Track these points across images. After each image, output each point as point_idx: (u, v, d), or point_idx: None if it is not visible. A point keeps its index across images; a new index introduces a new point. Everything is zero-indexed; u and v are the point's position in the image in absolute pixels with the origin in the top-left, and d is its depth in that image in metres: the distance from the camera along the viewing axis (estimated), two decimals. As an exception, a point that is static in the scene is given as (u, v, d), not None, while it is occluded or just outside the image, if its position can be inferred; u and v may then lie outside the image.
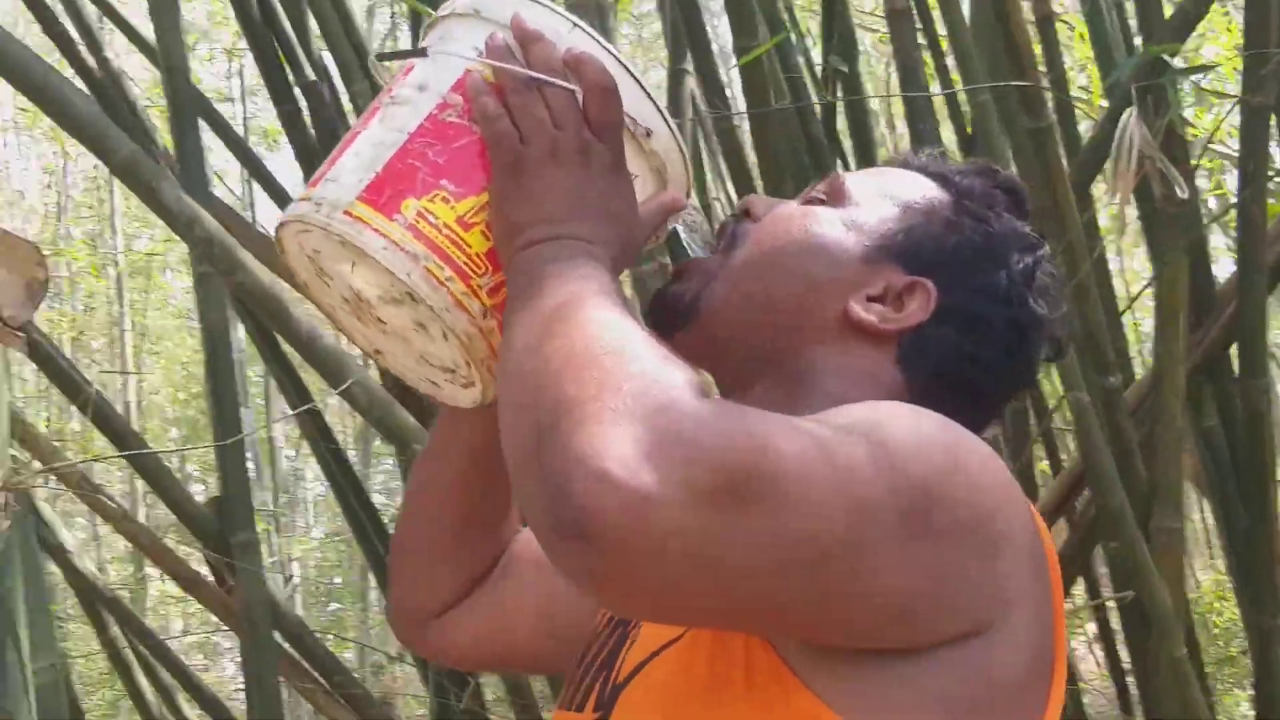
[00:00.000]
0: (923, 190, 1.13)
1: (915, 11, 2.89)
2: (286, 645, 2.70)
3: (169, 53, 2.76)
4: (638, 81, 1.05)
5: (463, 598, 1.24)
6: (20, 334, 1.94)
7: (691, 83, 3.16)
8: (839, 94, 3.10)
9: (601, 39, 1.04)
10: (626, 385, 0.80)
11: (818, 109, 3.00)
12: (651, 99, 1.06)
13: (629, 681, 0.98)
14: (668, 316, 1.11)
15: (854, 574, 0.82)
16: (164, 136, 3.24)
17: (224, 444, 2.65)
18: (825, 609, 0.84)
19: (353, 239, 0.99)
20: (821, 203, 1.13)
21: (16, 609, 1.90)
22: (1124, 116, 2.40)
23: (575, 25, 1.04)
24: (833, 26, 3.08)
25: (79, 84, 2.83)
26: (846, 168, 3.09)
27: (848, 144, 3.31)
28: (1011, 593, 0.90)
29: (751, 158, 2.97)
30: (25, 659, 1.93)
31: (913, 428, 0.89)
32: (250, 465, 3.44)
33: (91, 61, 3.11)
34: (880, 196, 1.12)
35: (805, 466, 0.80)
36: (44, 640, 2.04)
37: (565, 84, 1.00)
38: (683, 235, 1.19)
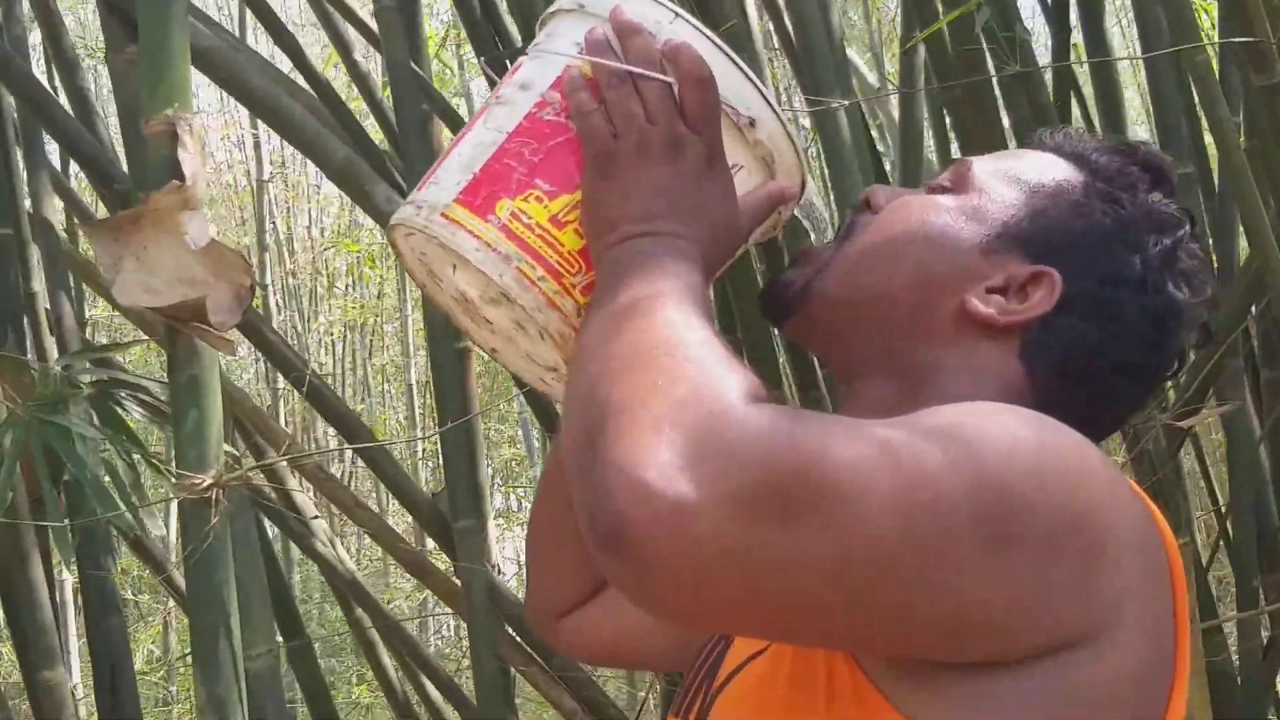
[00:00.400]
0: (1054, 173, 1.08)
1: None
2: (509, 629, 2.77)
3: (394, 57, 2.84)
4: (742, 70, 1.03)
5: (591, 595, 1.24)
6: (230, 339, 2.03)
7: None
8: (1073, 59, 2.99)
9: (705, 29, 1.03)
10: (677, 390, 0.79)
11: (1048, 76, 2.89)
12: (758, 87, 1.04)
13: (722, 689, 0.97)
14: (777, 303, 1.10)
15: (925, 585, 0.79)
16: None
17: (443, 430, 2.74)
18: (895, 622, 0.81)
19: (447, 241, 1.01)
20: (945, 191, 1.08)
21: (228, 600, 2.00)
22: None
23: (678, 15, 1.03)
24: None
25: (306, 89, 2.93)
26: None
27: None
28: (1116, 602, 0.85)
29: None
30: (237, 648, 2.03)
31: (1001, 427, 0.85)
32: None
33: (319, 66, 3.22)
34: (1006, 181, 1.07)
35: (863, 473, 0.77)
36: (262, 628, 2.15)
37: (661, 76, 0.98)
38: (805, 226, 1.17)
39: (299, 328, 10.22)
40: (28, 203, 2.83)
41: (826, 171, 2.61)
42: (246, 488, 2.20)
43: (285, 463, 2.72)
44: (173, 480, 2.01)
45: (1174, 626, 0.92)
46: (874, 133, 3.69)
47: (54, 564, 3.05)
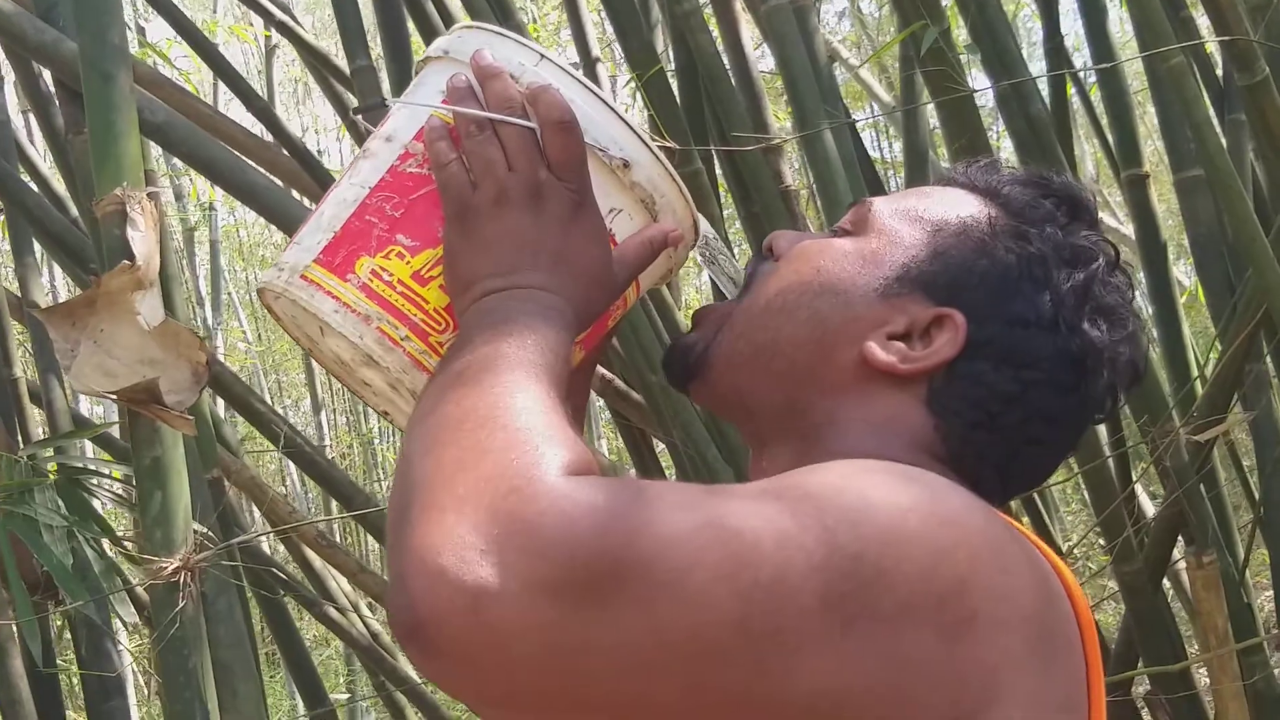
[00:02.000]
0: (959, 209, 1.01)
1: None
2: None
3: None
4: (613, 110, 0.98)
5: None
6: (189, 417, 1.99)
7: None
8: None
9: (572, 70, 0.98)
10: (483, 466, 0.74)
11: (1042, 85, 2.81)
12: (631, 127, 0.99)
13: None
14: (679, 368, 1.04)
15: (761, 671, 0.72)
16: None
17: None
18: (731, 712, 0.73)
19: (305, 303, 0.96)
20: (846, 234, 1.02)
21: (203, 685, 1.95)
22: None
23: (543, 57, 0.98)
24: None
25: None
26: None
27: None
28: (989, 678, 0.77)
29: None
30: (214, 730, 1.97)
31: (862, 491, 0.78)
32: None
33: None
34: (907, 221, 1.01)
35: (686, 550, 0.71)
36: (249, 710, 2.09)
37: (520, 121, 0.94)
38: (706, 270, 1.12)
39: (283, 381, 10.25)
40: (14, 285, 2.82)
41: (820, 202, 2.55)
42: (227, 565, 2.16)
43: (278, 531, 2.67)
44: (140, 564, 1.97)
45: (1086, 698, 0.84)
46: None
47: (59, 649, 3.03)
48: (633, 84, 2.69)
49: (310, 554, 3.17)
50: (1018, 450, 0.97)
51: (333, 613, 3.13)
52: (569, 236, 0.94)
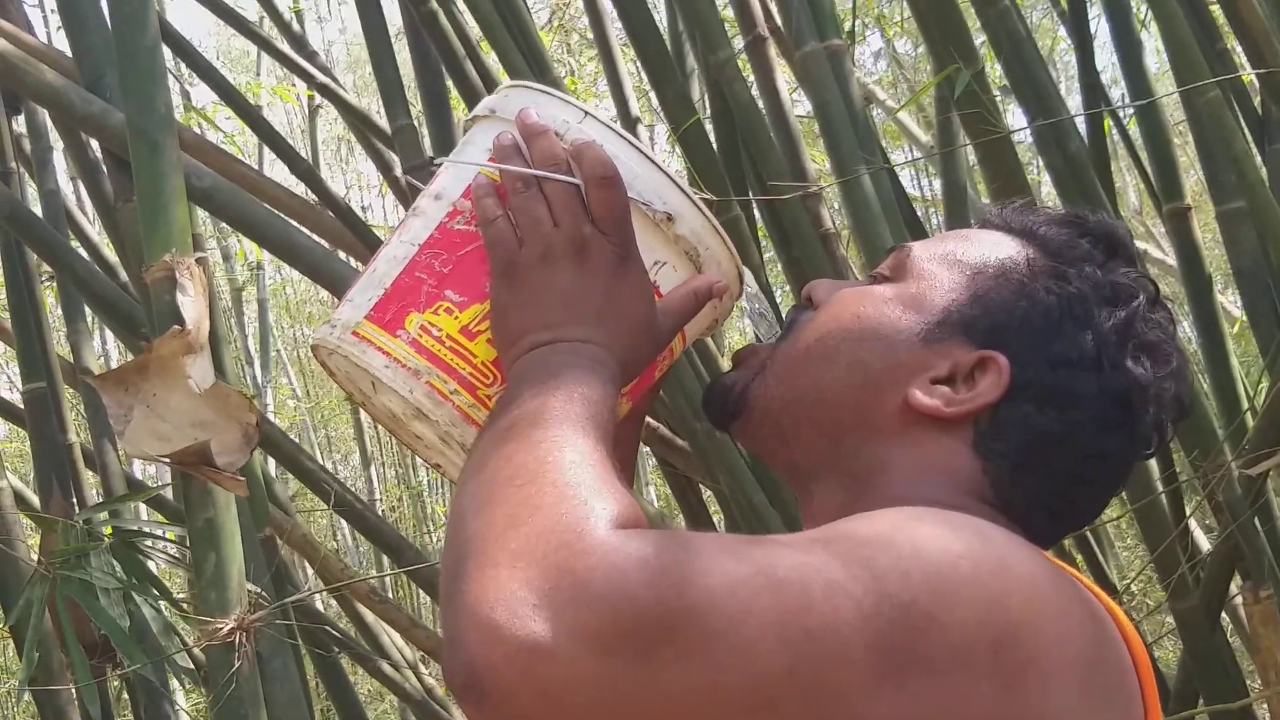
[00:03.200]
0: (998, 252, 1.01)
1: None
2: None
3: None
4: (657, 165, 1.00)
5: None
6: (241, 479, 2.02)
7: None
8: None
9: (615, 126, 1.00)
10: (535, 522, 0.75)
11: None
12: (676, 182, 1.00)
13: None
14: (718, 407, 1.05)
15: (798, 711, 0.72)
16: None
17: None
18: None
19: (357, 359, 0.99)
20: (885, 280, 1.02)
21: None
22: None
23: (587, 114, 1.00)
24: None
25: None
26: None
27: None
28: None
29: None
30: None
31: (914, 539, 0.78)
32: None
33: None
34: (946, 265, 1.01)
35: (736, 600, 0.71)
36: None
37: (563, 177, 0.95)
38: (749, 323, 1.13)
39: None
40: (67, 351, 2.87)
41: (859, 244, 2.56)
42: (281, 624, 2.18)
43: (331, 589, 2.68)
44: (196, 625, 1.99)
45: None
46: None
47: (118, 710, 3.05)
48: (670, 134, 2.70)
49: (363, 610, 3.19)
50: (1066, 490, 0.97)
51: (386, 668, 3.14)
52: (614, 290, 0.95)
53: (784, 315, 1.10)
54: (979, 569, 0.77)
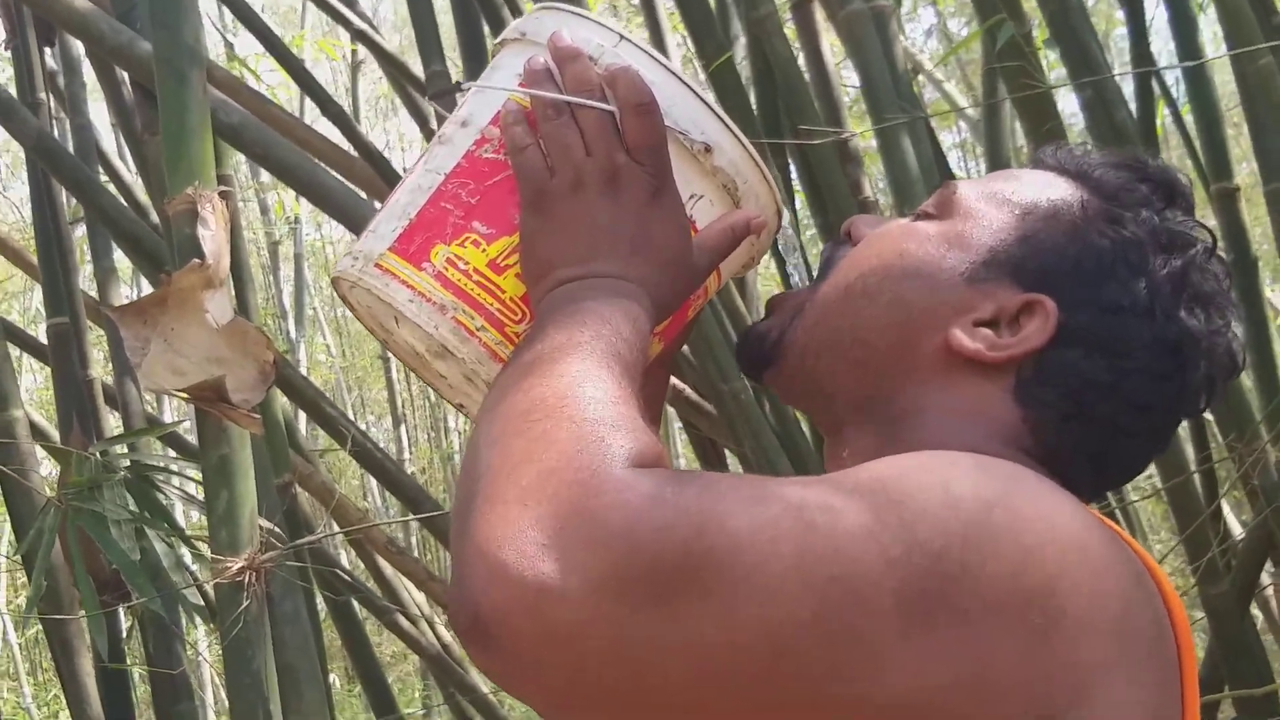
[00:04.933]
0: (1050, 193, 0.96)
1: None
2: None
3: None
4: (696, 94, 0.95)
5: None
6: (256, 416, 1.99)
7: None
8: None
9: (653, 51, 0.95)
10: (548, 457, 0.71)
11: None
12: (715, 111, 0.96)
13: None
14: (752, 356, 1.01)
15: (836, 670, 0.68)
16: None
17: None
18: (806, 714, 0.70)
19: (380, 292, 0.94)
20: (929, 217, 0.98)
21: (267, 685, 1.93)
22: None
23: (622, 38, 0.95)
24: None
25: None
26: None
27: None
28: (1079, 679, 0.73)
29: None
30: (277, 732, 1.96)
31: (947, 484, 0.74)
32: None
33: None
34: (995, 204, 0.96)
35: (759, 542, 0.67)
36: (313, 714, 2.08)
37: (598, 104, 0.91)
38: (787, 259, 1.09)
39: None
40: (93, 289, 2.85)
41: (893, 199, 2.51)
42: (294, 567, 2.16)
43: (345, 532, 2.66)
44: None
45: (1180, 707, 0.80)
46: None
47: (129, 650, 3.05)
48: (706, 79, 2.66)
49: (382, 563, 3.17)
50: (1110, 443, 0.93)
51: (403, 622, 3.12)
52: (648, 223, 0.90)
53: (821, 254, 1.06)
54: (1015, 518, 0.73)
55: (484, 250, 0.93)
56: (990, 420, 0.91)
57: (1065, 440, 0.91)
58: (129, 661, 3.00)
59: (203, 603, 2.31)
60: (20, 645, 6.28)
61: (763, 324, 1.01)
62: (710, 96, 0.97)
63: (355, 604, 3.31)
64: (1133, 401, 0.92)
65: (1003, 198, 0.96)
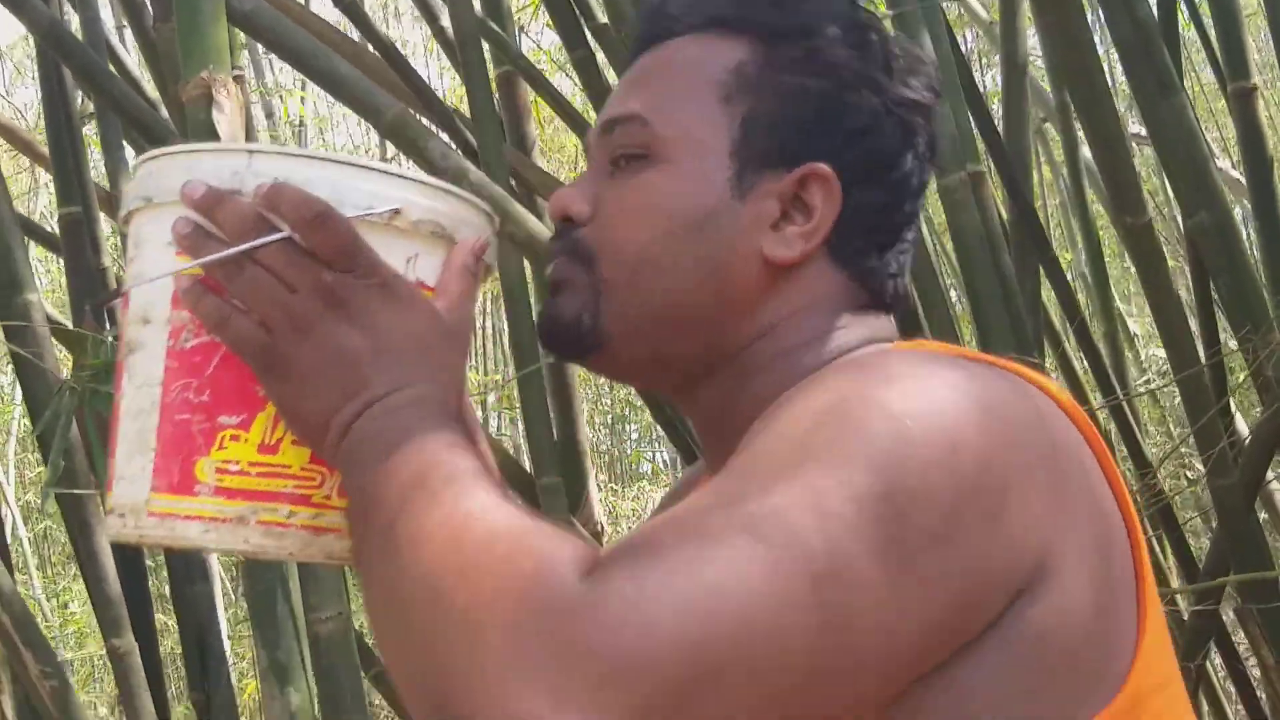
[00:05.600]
0: (721, 60, 0.95)
1: None
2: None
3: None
4: (353, 164, 0.89)
5: None
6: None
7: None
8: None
9: (289, 148, 0.92)
10: (503, 609, 0.67)
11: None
12: (380, 169, 0.90)
13: None
14: (567, 342, 0.97)
15: (862, 655, 0.72)
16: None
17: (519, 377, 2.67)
18: (850, 694, 0.73)
19: (168, 540, 0.88)
20: (640, 161, 0.95)
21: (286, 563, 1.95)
22: None
23: (252, 152, 0.87)
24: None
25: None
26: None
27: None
28: (1039, 533, 0.77)
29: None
30: (298, 610, 1.99)
31: (846, 422, 0.75)
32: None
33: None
34: (687, 108, 0.94)
35: (741, 598, 0.68)
36: (329, 590, 2.10)
37: (272, 237, 0.84)
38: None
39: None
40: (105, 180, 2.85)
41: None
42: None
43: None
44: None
45: (1122, 525, 0.84)
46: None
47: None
48: None
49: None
50: (898, 234, 0.97)
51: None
52: (388, 323, 0.84)
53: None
54: (926, 422, 0.75)
55: (246, 440, 0.86)
56: (828, 299, 0.93)
57: (884, 271, 0.94)
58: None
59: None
60: (29, 539, 6.35)
61: (563, 308, 0.96)
62: (370, 157, 0.92)
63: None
64: (910, 201, 0.96)
65: (686, 96, 0.94)
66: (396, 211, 0.88)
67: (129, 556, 2.55)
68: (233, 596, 6.05)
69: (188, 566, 2.72)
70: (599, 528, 3.16)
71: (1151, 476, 2.67)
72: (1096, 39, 2.58)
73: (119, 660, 2.38)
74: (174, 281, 0.86)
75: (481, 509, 0.72)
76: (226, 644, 3.04)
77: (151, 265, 0.88)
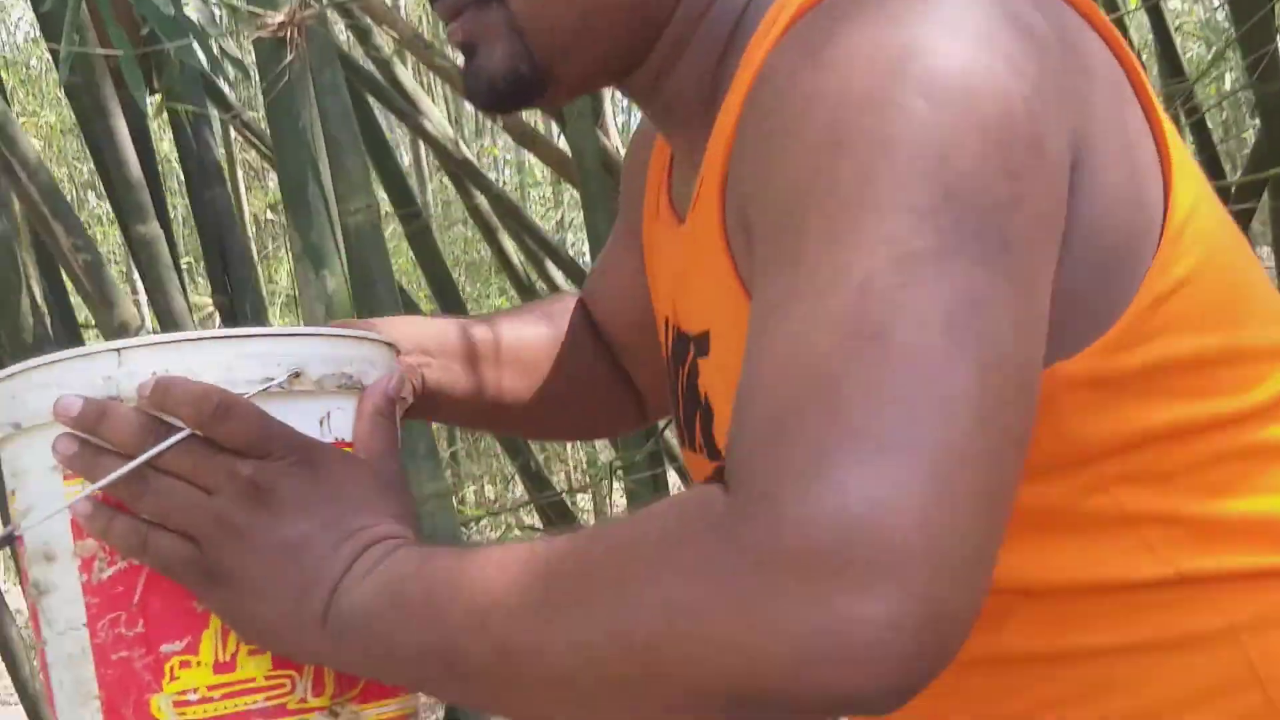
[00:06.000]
0: None
1: None
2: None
3: None
4: (239, 336, 0.81)
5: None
6: None
7: None
8: None
9: (161, 336, 0.79)
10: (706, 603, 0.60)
11: None
12: (271, 333, 0.82)
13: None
14: (513, 96, 0.89)
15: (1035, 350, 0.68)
16: None
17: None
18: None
19: None
20: None
21: (314, 144, 1.91)
22: None
23: (120, 350, 0.78)
24: None
25: None
26: None
27: None
28: (1069, 127, 0.72)
29: None
30: (330, 197, 1.95)
31: (864, 150, 0.66)
32: None
33: None
34: None
35: (948, 409, 0.60)
36: (357, 182, 2.06)
37: (173, 439, 0.75)
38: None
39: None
40: None
41: None
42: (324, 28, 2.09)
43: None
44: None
45: (1132, 92, 0.78)
46: None
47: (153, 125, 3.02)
48: None
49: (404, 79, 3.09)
50: None
51: (427, 125, 3.07)
52: (321, 497, 0.77)
53: None
54: (931, 88, 0.66)
55: (198, 663, 0.79)
56: None
57: None
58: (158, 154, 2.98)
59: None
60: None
61: (493, 63, 0.87)
62: (256, 327, 0.81)
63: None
64: None
65: None
66: (297, 375, 0.81)
67: (142, 153, 2.48)
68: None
69: (203, 172, 2.67)
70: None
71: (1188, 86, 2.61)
72: None
73: (144, 247, 2.35)
74: (73, 507, 0.78)
75: (575, 558, 0.67)
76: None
77: (38, 496, 0.80)
